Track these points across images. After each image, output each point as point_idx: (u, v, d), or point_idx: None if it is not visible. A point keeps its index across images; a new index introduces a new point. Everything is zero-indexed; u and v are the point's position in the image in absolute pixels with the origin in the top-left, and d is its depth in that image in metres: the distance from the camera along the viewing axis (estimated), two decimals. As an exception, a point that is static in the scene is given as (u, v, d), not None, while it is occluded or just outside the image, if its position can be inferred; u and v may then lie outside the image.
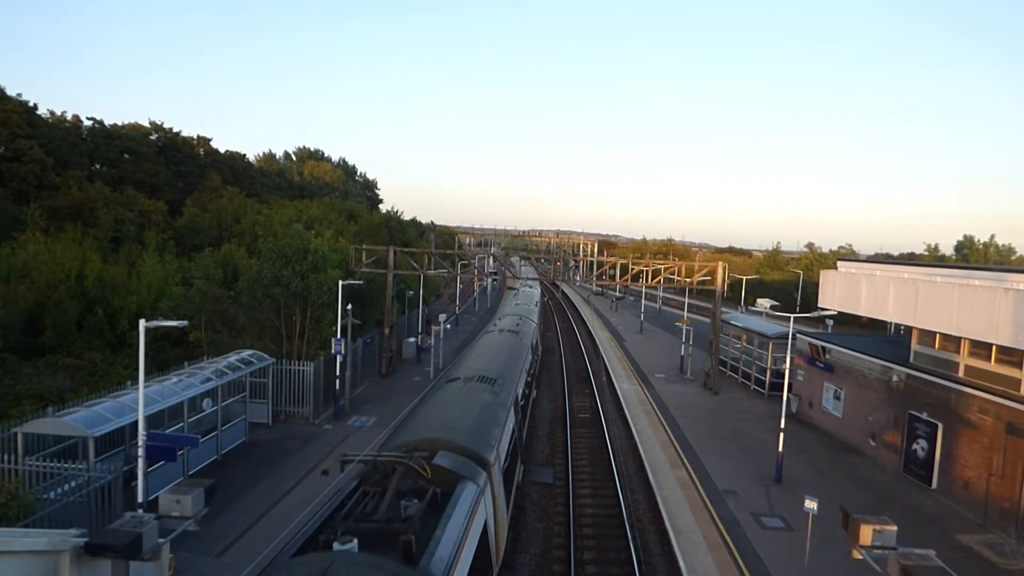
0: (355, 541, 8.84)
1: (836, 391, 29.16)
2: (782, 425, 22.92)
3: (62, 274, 28.55)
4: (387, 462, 12.03)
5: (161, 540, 9.90)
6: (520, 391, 21.84)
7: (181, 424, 20.31)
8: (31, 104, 53.70)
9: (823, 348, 30.34)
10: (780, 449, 22.78)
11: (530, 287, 59.29)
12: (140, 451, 14.34)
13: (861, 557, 10.77)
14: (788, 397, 23.78)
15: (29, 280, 28.66)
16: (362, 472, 12.29)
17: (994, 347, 20.81)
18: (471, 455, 13.49)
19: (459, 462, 12.87)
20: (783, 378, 25.02)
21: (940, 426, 22.28)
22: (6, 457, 15.35)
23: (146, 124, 67.50)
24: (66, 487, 15.25)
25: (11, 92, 49.53)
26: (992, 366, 21.13)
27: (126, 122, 66.58)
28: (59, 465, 15.56)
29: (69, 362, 25.35)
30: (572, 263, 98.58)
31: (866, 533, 10.77)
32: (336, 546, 8.78)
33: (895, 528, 10.78)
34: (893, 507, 20.41)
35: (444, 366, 37.96)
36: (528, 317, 38.53)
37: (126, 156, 60.22)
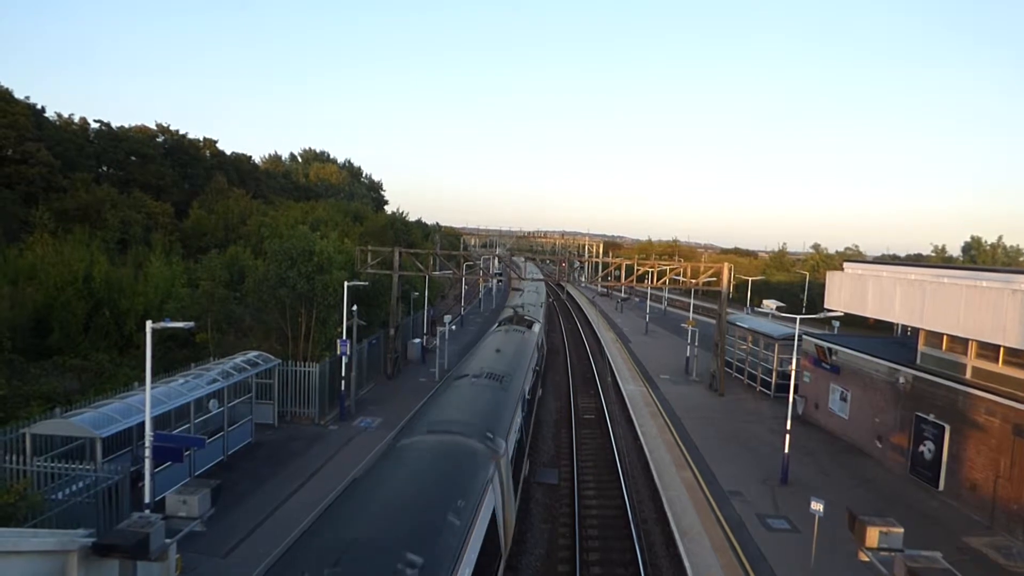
0: (511, 325, 32.48)
1: (842, 392, 29.07)
2: (788, 426, 22.87)
3: (69, 276, 28.67)
4: (516, 310, 37.38)
5: (168, 540, 9.96)
6: (542, 318, 43.56)
7: (188, 425, 20.42)
8: (39, 107, 54.07)
9: (829, 349, 30.25)
10: (786, 450, 22.73)
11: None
12: (147, 452, 14.39)
13: (867, 559, 10.74)
14: (794, 398, 23.72)
15: (37, 282, 28.79)
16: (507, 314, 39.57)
17: (1002, 349, 20.71)
18: (535, 318, 37.13)
19: (532, 318, 35.77)
20: (789, 379, 24.94)
21: (947, 428, 22.18)
22: (14, 458, 15.46)
23: (153, 126, 67.84)
24: (74, 487, 15.34)
25: (19, 95, 49.78)
26: (1000, 368, 21.03)
27: (133, 124, 66.91)
28: (67, 466, 15.66)
29: (76, 363, 25.44)
30: (577, 264, 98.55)
31: (872, 535, 10.74)
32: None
33: (901, 530, 10.75)
34: (899, 509, 20.34)
35: (450, 367, 37.98)
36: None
37: (133, 158, 60.45)
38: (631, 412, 31.23)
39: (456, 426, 13.95)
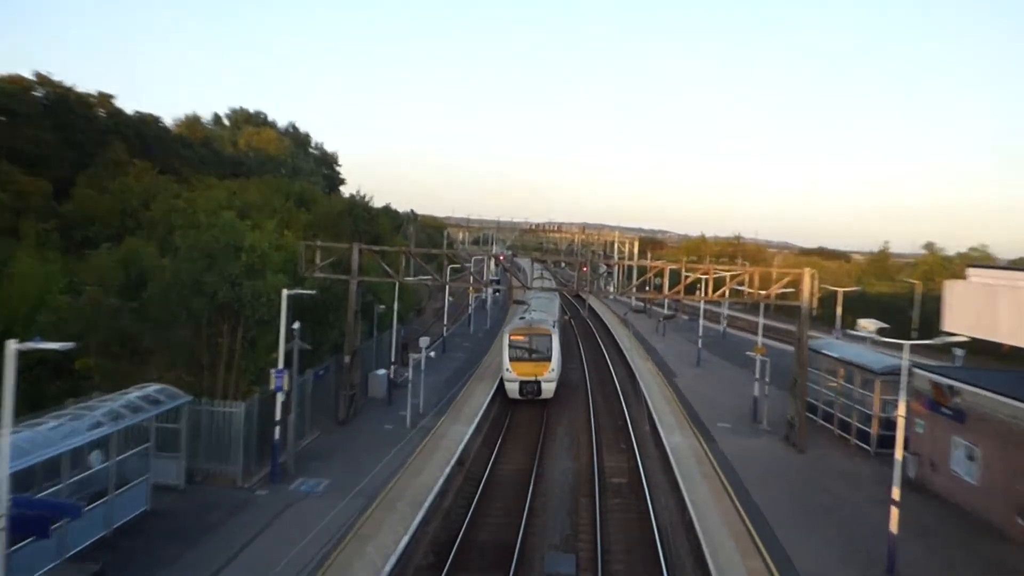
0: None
1: (969, 448, 28.83)
2: (895, 495, 22.62)
3: None
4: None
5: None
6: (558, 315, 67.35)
7: (60, 486, 20.29)
8: None
9: (950, 388, 30.01)
10: (893, 529, 22.49)
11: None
12: (2, 523, 14.14)
13: None
14: (903, 457, 23.45)
15: None
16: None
17: None
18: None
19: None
20: (895, 430, 24.70)
21: (1117, 500, 21.84)
22: None
23: (29, 76, 68.04)
24: None
25: None
26: None
27: (1, 74, 67.16)
28: None
29: None
30: (603, 268, 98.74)
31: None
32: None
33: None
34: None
35: (426, 411, 37.76)
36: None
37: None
38: (676, 474, 31.14)
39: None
